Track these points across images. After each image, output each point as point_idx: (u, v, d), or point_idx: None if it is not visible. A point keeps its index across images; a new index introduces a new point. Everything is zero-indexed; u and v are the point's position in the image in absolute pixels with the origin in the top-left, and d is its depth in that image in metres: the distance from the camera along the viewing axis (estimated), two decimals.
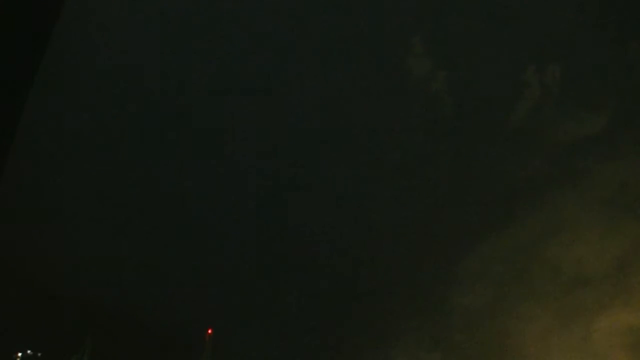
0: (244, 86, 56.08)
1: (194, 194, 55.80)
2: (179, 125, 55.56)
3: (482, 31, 54.01)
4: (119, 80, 53.34)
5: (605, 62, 53.04)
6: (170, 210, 55.19)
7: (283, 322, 53.31)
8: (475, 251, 52.74)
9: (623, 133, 51.97)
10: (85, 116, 53.23)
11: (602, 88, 53.29)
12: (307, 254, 54.19)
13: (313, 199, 55.60)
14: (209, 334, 51.07)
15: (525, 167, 54.10)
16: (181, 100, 55.54)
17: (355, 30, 55.40)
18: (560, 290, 51.26)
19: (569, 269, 51.11)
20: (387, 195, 55.65)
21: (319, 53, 56.04)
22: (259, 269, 55.02)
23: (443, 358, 52.13)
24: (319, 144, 56.47)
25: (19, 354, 48.80)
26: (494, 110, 55.46)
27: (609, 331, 49.40)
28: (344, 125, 56.32)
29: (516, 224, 52.96)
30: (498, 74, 54.70)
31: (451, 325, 52.46)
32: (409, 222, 54.15)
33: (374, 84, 55.67)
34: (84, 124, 53.33)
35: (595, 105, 53.02)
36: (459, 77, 55.51)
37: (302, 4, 54.87)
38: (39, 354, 49.14)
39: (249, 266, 55.06)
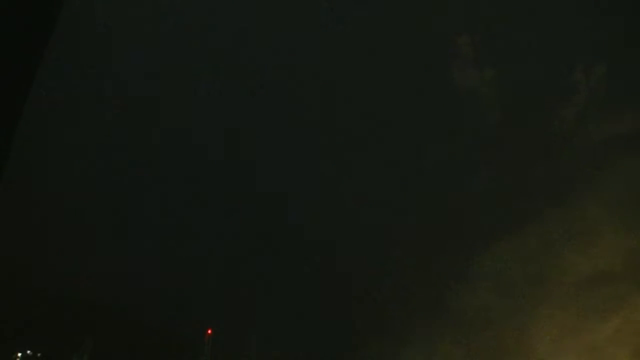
0: (269, 87, 55.05)
1: (194, 194, 55.83)
2: (179, 126, 55.58)
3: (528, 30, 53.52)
4: (119, 81, 53.40)
5: None
6: (170, 210, 55.25)
7: (287, 323, 53.24)
8: (491, 251, 52.82)
9: None
10: (85, 117, 53.23)
11: None
12: (317, 252, 53.95)
13: (329, 199, 55.43)
14: (208, 334, 51.08)
15: (552, 168, 54.12)
16: (183, 101, 55.52)
17: (400, 33, 54.71)
18: (576, 289, 51.22)
19: (585, 269, 51.11)
20: (407, 196, 55.54)
21: (361, 56, 55.43)
22: (261, 268, 54.98)
23: (464, 356, 52.22)
24: (353, 146, 56.01)
25: (19, 354, 48.79)
26: (535, 113, 55.18)
27: (625, 331, 49.40)
28: (382, 127, 56.02)
29: (533, 223, 52.95)
30: (543, 75, 54.30)
31: (468, 324, 52.52)
32: (428, 222, 54.16)
33: (418, 87, 55.07)
34: (84, 125, 53.34)
35: (625, 105, 52.77)
36: (504, 80, 55.10)
37: (343, 5, 54.42)
38: (39, 354, 49.14)
39: (251, 266, 55.06)
